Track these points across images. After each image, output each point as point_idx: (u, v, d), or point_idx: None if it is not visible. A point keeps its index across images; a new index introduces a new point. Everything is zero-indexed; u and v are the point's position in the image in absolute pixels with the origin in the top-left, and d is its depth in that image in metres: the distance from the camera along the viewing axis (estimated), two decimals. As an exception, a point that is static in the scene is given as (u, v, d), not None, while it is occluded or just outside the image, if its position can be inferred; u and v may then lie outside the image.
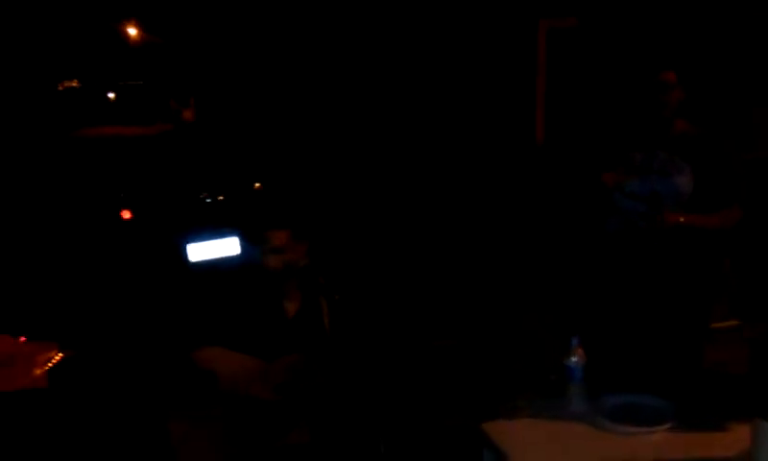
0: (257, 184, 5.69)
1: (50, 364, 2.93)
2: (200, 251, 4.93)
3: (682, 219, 2.61)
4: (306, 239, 2.59)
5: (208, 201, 5.56)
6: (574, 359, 2.22)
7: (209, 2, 8.62)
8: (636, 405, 2.24)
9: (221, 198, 5.51)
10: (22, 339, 3.09)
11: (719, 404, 2.20)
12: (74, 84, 10.62)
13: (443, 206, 6.37)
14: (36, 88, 8.41)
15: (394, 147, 7.00)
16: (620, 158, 2.74)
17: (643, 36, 5.99)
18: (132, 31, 9.97)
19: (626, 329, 2.52)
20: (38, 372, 2.95)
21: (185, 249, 4.92)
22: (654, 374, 2.32)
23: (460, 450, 2.68)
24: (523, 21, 7.21)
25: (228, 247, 4.99)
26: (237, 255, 4.86)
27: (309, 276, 2.57)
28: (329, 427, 2.46)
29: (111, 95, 10.67)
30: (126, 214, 4.97)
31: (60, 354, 2.93)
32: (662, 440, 2.12)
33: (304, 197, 4.95)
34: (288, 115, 7.50)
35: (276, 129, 7.31)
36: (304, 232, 2.58)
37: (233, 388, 2.40)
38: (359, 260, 5.07)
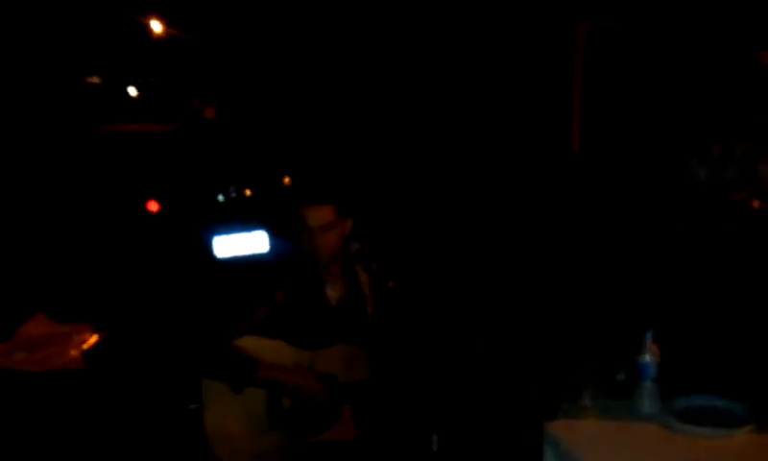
0: (287, 179, 5.65)
1: (85, 346, 2.89)
2: (226, 245, 4.89)
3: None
4: (352, 216, 2.48)
5: (233, 196, 5.52)
6: (647, 356, 2.11)
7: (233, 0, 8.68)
8: (710, 408, 2.13)
9: (248, 192, 5.47)
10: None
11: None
12: (96, 80, 10.72)
13: (492, 203, 6.31)
14: (59, 83, 8.49)
15: (433, 145, 6.98)
16: (696, 150, 2.64)
17: (683, 36, 5.90)
18: (157, 26, 10.04)
19: (706, 327, 2.41)
20: (74, 353, 2.90)
21: (211, 243, 4.88)
22: (733, 376, 2.21)
23: (519, 447, 2.58)
24: (561, 22, 7.16)
25: (256, 242, 4.94)
26: (266, 251, 4.83)
27: (359, 261, 2.48)
28: (376, 422, 2.36)
29: (133, 91, 10.76)
30: (153, 207, 4.95)
31: (96, 336, 2.90)
32: (741, 445, 2.01)
33: (348, 179, 4.88)
34: (315, 109, 7.49)
35: (302, 123, 7.30)
36: (349, 209, 2.47)
37: (273, 377, 2.32)
38: (414, 249, 4.99)
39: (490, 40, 7.23)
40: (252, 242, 4.94)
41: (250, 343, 2.36)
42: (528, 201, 6.16)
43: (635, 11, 6.57)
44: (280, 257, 2.68)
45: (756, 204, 2.48)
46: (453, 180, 6.65)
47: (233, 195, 5.47)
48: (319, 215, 2.40)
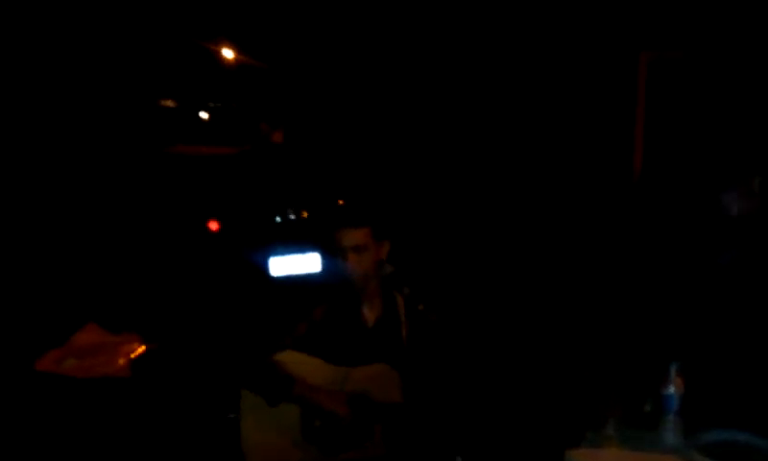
0: (341, 201, 5.83)
1: (133, 355, 3.08)
2: (281, 264, 5.08)
3: None
4: (388, 239, 2.58)
5: (292, 217, 5.71)
6: (672, 388, 2.12)
7: (303, 27, 8.99)
8: (735, 444, 2.12)
9: (305, 214, 5.66)
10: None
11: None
12: (170, 104, 11.24)
13: (536, 231, 6.34)
14: (134, 106, 8.98)
15: (489, 171, 7.04)
16: (736, 184, 2.62)
17: (747, 67, 5.80)
18: (228, 53, 10.49)
19: (731, 362, 2.39)
20: (122, 362, 3.10)
21: (267, 262, 5.08)
22: (758, 412, 2.19)
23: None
24: (625, 51, 7.13)
25: (309, 262, 5.12)
26: (318, 271, 5.00)
27: (393, 283, 2.58)
28: (405, 440, 2.44)
29: (205, 115, 11.22)
30: (213, 226, 5.19)
31: (144, 347, 3.09)
32: (766, 483, 2.00)
33: (385, 201, 5.01)
34: (376, 135, 7.67)
35: (361, 150, 7.48)
36: (385, 232, 2.56)
37: (306, 396, 2.42)
38: (446, 274, 5.07)
39: (555, 66, 7.27)
40: (306, 262, 5.12)
41: (289, 358, 2.47)
42: (581, 227, 6.15)
43: (699, 40, 6.49)
44: (329, 278, 2.79)
45: None
46: (504, 205, 6.70)
47: (291, 217, 5.68)
48: (353, 237, 2.50)
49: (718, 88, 6.20)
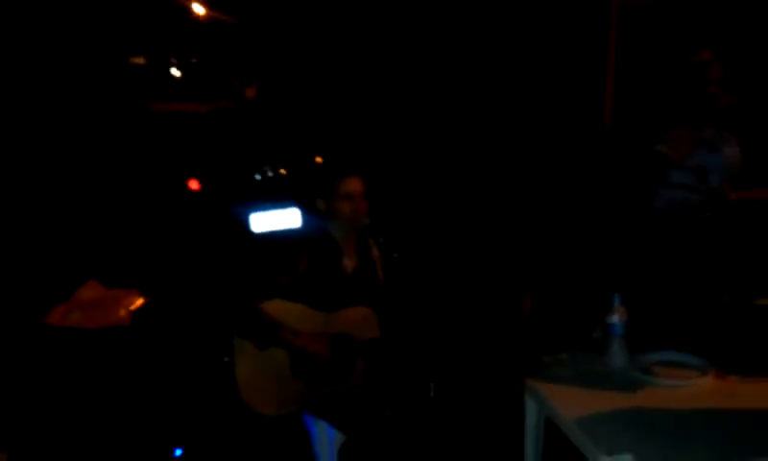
0: (318, 158, 6.06)
1: (133, 307, 3.37)
2: (262, 221, 5.33)
3: (733, 195, 2.81)
4: (368, 200, 2.87)
5: (270, 174, 5.93)
6: (616, 317, 2.45)
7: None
8: (673, 362, 2.46)
9: (282, 171, 5.88)
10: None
11: (753, 365, 2.40)
12: (140, 61, 11.23)
13: (505, 178, 6.63)
14: (104, 63, 9.01)
15: (458, 122, 7.29)
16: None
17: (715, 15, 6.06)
18: (199, 8, 10.50)
19: (667, 293, 2.72)
20: (123, 313, 3.39)
21: (248, 219, 5.32)
22: (692, 335, 2.53)
23: (505, 397, 2.95)
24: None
25: (289, 218, 5.37)
26: (298, 226, 5.26)
27: (370, 234, 2.87)
28: (384, 372, 2.75)
29: (176, 72, 11.24)
30: (194, 185, 5.40)
31: (142, 299, 3.37)
32: (698, 393, 2.33)
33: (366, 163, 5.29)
34: (352, 92, 7.85)
35: (338, 107, 7.67)
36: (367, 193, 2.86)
37: (291, 340, 2.71)
38: (416, 223, 5.39)
39: (526, 15, 7.46)
40: (286, 218, 5.37)
41: (276, 306, 2.75)
42: (546, 168, 6.46)
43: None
44: (310, 232, 3.06)
45: (731, 194, 2.78)
46: (473, 158, 6.98)
47: (270, 174, 5.89)
48: (358, 183, 2.84)
49: (686, 35, 6.45)
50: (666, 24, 6.91)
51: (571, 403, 2.33)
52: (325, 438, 2.71)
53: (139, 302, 3.47)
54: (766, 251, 3.07)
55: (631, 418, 2.20)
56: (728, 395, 2.30)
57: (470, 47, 7.56)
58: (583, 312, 2.64)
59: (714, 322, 2.72)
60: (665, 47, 6.60)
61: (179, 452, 3.22)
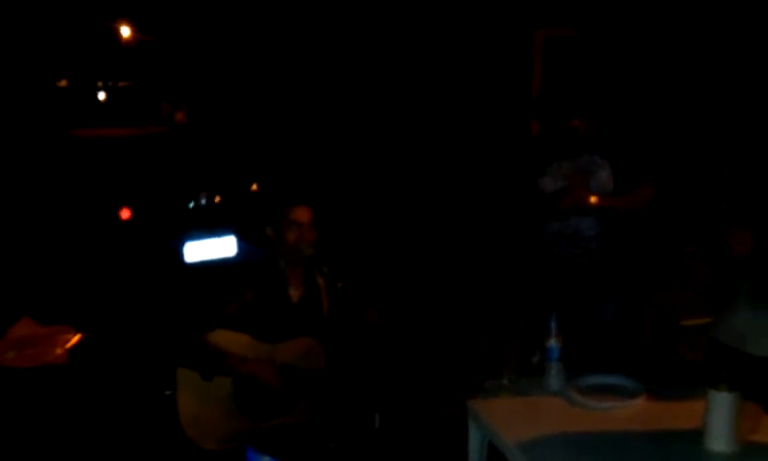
0: (254, 186, 6.06)
1: (68, 344, 3.30)
2: (197, 250, 5.28)
3: (593, 199, 3.07)
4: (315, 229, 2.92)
5: (204, 202, 5.89)
6: (553, 341, 2.57)
7: (203, 4, 9.01)
8: (608, 385, 2.60)
9: (217, 199, 5.86)
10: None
11: (682, 385, 2.56)
12: (63, 84, 10.95)
13: (441, 204, 6.80)
14: (26, 86, 8.74)
15: (393, 148, 7.42)
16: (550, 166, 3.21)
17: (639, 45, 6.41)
18: (125, 31, 10.34)
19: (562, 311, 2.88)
20: (60, 351, 3.32)
21: (182, 248, 5.26)
22: (624, 359, 2.68)
23: (448, 424, 3.04)
24: (520, 30, 7.62)
25: (225, 246, 5.35)
26: (234, 255, 5.24)
27: (314, 264, 2.92)
28: (329, 403, 2.80)
29: (102, 96, 10.99)
30: (125, 214, 5.32)
31: (78, 335, 3.31)
32: (631, 414, 2.47)
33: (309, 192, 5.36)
34: (285, 116, 7.88)
35: (271, 130, 7.68)
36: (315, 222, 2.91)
37: (238, 368, 2.72)
38: (360, 253, 5.47)
39: (454, 45, 7.69)
40: (221, 247, 5.34)
41: (221, 336, 2.76)
42: (478, 194, 6.66)
43: (589, 20, 7.07)
44: (247, 261, 3.08)
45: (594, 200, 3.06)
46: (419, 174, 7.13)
47: (203, 202, 5.86)
48: (306, 213, 2.90)
49: (610, 65, 6.78)
50: (589, 56, 7.24)
51: (512, 427, 2.41)
52: (270, 472, 2.72)
53: (75, 338, 3.41)
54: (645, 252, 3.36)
55: (569, 440, 2.31)
56: (660, 415, 2.45)
57: (404, 92, 7.74)
58: (523, 337, 2.76)
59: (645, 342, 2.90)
60: (590, 76, 6.93)
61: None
